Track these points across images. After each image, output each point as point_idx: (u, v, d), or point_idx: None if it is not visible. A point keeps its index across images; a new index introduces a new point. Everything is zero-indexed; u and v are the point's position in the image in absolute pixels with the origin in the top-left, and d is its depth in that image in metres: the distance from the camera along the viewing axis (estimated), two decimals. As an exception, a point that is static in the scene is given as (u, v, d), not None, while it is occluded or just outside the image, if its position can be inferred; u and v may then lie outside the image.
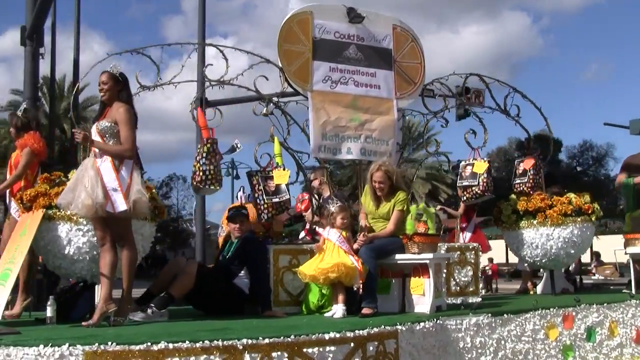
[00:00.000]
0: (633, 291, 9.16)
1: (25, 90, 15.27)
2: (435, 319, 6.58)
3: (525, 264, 10.05)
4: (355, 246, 6.99)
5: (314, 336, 5.49)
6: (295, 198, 9.17)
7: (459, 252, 8.42)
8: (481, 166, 8.89)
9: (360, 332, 5.75)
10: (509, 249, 9.68)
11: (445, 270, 8.17)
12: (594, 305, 7.87)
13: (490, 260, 33.81)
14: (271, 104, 7.85)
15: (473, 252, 8.53)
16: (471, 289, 8.45)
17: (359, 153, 8.19)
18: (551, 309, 7.50)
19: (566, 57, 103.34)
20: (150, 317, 6.44)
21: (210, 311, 7.18)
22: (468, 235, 10.91)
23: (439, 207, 11.65)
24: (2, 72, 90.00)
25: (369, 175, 7.38)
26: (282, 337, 5.35)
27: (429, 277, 7.00)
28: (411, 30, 8.67)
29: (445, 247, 8.34)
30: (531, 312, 7.34)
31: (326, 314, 6.86)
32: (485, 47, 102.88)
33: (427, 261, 6.99)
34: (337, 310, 6.73)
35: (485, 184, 8.87)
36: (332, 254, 6.80)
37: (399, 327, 6.11)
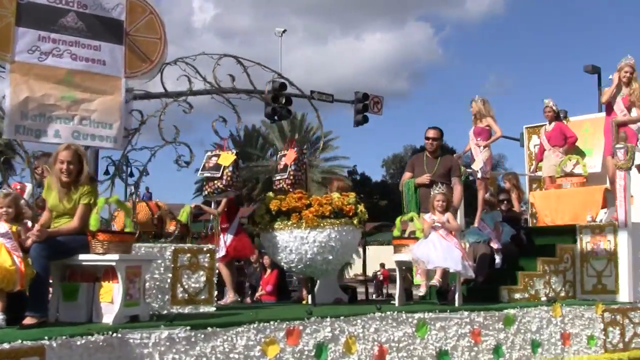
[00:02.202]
0: (397, 303, 8.36)
1: None
2: (110, 332, 5.55)
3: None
4: (28, 242, 5.90)
5: None
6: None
7: (189, 255, 7.36)
8: (228, 158, 7.79)
9: (-18, 348, 4.71)
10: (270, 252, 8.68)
11: (170, 275, 7.23)
12: (328, 319, 6.91)
13: (382, 265, 33.41)
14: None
15: (208, 254, 7.47)
16: (203, 297, 7.40)
17: (71, 136, 7.03)
18: (271, 323, 6.48)
19: (465, 67, 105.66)
20: None
21: None
22: (229, 237, 9.83)
23: (194, 204, 10.60)
24: None
25: (52, 158, 6.29)
26: None
27: (118, 282, 6.00)
28: (150, 2, 7.61)
29: (172, 248, 7.32)
30: (245, 326, 6.35)
31: (-15, 324, 5.74)
32: (387, 54, 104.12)
33: (114, 263, 5.98)
34: (-6, 319, 5.64)
35: (229, 178, 7.77)
36: None
37: (46, 341, 5.07)
